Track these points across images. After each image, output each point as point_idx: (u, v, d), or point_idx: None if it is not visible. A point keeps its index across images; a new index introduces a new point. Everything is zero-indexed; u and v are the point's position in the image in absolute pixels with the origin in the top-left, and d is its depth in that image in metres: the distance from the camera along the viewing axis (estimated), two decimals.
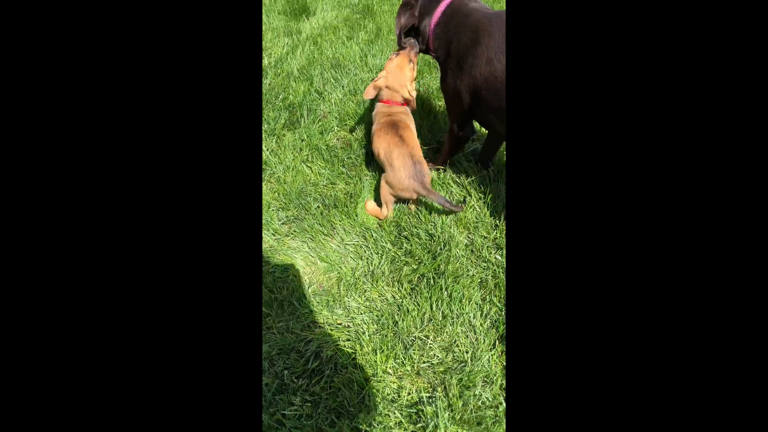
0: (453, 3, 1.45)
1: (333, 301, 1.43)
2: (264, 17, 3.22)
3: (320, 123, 2.16)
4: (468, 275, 1.43)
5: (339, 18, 3.07)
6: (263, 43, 2.88)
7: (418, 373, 1.24)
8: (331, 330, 1.35)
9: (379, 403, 1.17)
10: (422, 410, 1.15)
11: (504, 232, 1.55)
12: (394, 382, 1.22)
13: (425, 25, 1.51)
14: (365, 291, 1.45)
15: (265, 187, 1.84)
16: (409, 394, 1.19)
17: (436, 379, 1.22)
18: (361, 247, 1.59)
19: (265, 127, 2.17)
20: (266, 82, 2.53)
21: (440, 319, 1.34)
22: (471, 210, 1.64)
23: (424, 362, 1.25)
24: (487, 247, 1.52)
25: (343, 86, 2.39)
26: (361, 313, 1.38)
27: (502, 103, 1.30)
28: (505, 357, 1.24)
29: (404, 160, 1.53)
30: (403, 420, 1.14)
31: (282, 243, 1.63)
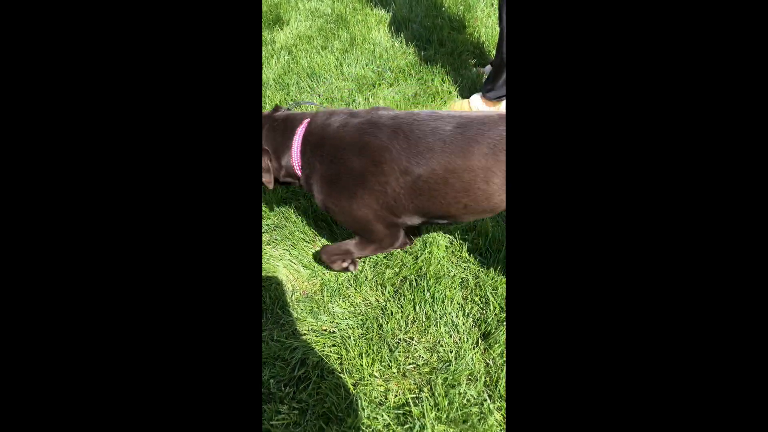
0: (311, 131, 1.27)
1: (317, 307, 1.43)
2: None
3: None
4: (449, 276, 1.46)
5: (313, 28, 3.09)
6: None
7: (404, 375, 1.25)
8: (316, 336, 1.35)
9: (367, 406, 1.18)
10: (409, 411, 1.16)
11: (480, 233, 1.59)
12: (380, 385, 1.23)
13: (287, 164, 1.31)
14: (349, 296, 1.46)
15: None
16: (396, 396, 1.21)
17: (422, 380, 1.23)
18: None
19: None
20: None
21: (424, 320, 1.36)
22: None
23: (409, 364, 1.27)
24: (467, 248, 1.55)
25: (319, 95, 2.41)
26: (346, 318, 1.39)
27: (444, 199, 1.17)
28: (487, 354, 1.27)
29: None
30: (391, 422, 1.15)
31: (263, 252, 1.62)
